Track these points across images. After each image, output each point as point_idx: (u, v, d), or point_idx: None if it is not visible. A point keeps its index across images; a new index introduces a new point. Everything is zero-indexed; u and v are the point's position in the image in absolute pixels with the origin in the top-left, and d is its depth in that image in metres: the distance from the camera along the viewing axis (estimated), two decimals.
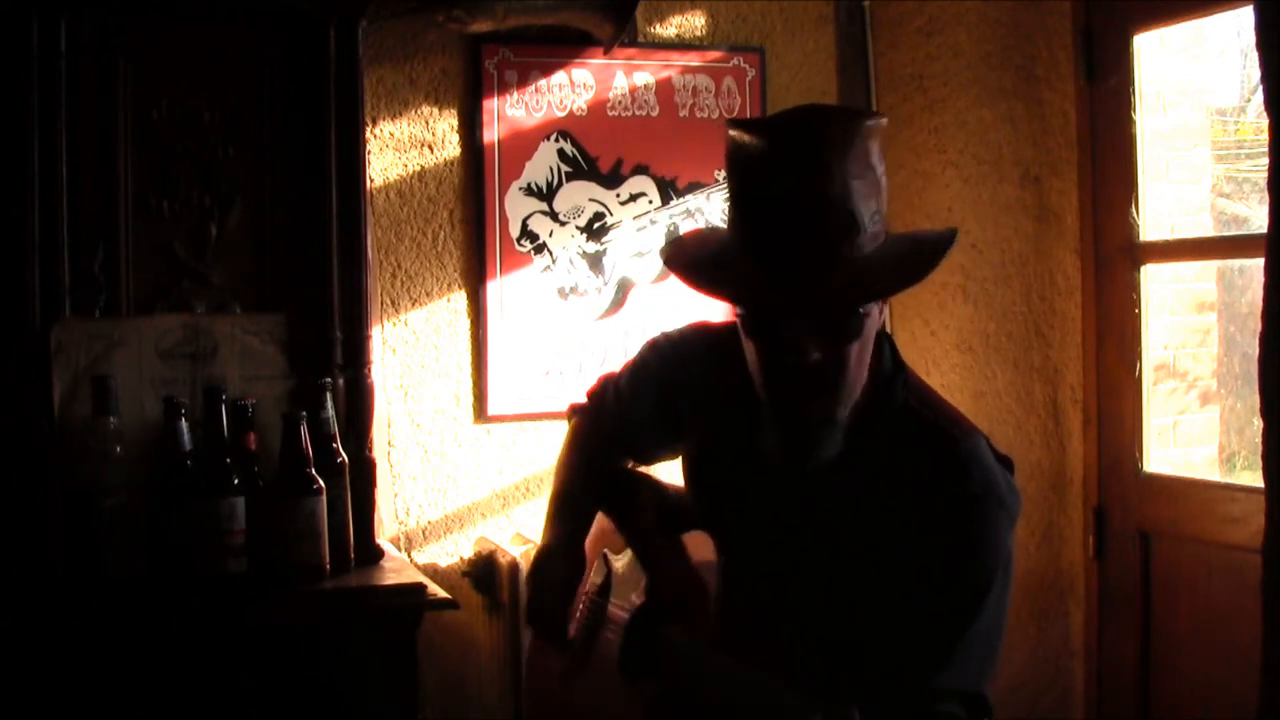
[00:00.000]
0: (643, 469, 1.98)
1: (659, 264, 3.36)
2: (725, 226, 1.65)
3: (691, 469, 1.83)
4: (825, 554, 1.62)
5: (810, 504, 1.63)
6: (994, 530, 1.55)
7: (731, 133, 1.57)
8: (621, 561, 1.93)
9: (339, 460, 2.52)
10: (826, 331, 1.52)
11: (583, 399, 2.03)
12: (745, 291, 1.54)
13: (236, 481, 2.37)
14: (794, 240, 1.50)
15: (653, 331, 1.91)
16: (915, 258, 1.54)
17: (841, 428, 1.58)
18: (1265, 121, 2.34)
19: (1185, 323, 3.31)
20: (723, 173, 3.40)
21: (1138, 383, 3.10)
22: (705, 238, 1.70)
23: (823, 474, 1.60)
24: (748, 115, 3.42)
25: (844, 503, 1.60)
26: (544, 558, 1.84)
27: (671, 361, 1.85)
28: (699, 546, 1.81)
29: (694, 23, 3.41)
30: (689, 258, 1.63)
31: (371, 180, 3.10)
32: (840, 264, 1.50)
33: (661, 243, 3.35)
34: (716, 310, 2.74)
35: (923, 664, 1.52)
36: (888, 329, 3.50)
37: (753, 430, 1.65)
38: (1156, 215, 3.14)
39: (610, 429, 1.93)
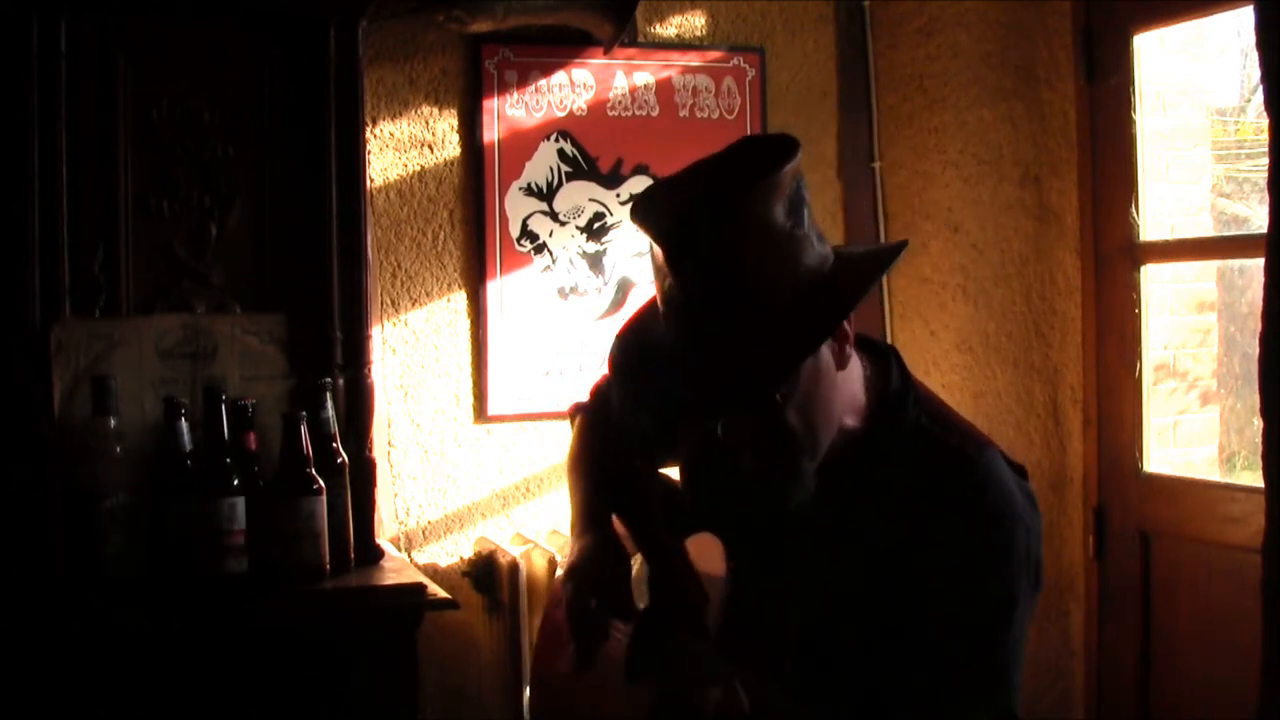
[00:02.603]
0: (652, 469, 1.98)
1: None
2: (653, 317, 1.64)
3: (692, 484, 1.83)
4: (836, 573, 1.61)
5: (820, 524, 1.62)
6: (1013, 548, 1.54)
7: (636, 221, 1.52)
8: (635, 566, 1.92)
9: (339, 460, 2.52)
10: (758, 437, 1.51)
11: (585, 398, 2.02)
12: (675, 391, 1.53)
13: (236, 481, 2.37)
14: (696, 331, 1.47)
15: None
16: (816, 318, 1.49)
17: (810, 474, 1.55)
18: (1265, 121, 2.34)
19: (1185, 323, 3.31)
20: None
21: (1138, 383, 3.10)
22: (647, 330, 1.64)
23: (834, 495, 1.60)
24: (747, 116, 3.42)
25: (856, 523, 1.59)
26: (581, 563, 1.75)
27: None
28: (708, 552, 1.81)
29: (694, 23, 3.41)
30: (630, 364, 1.64)
31: (371, 180, 3.10)
32: (746, 343, 1.46)
33: None
34: None
35: (951, 680, 1.52)
36: (887, 331, 3.52)
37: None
38: (1156, 215, 3.14)
39: (616, 425, 1.92)
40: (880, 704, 1.50)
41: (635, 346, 1.78)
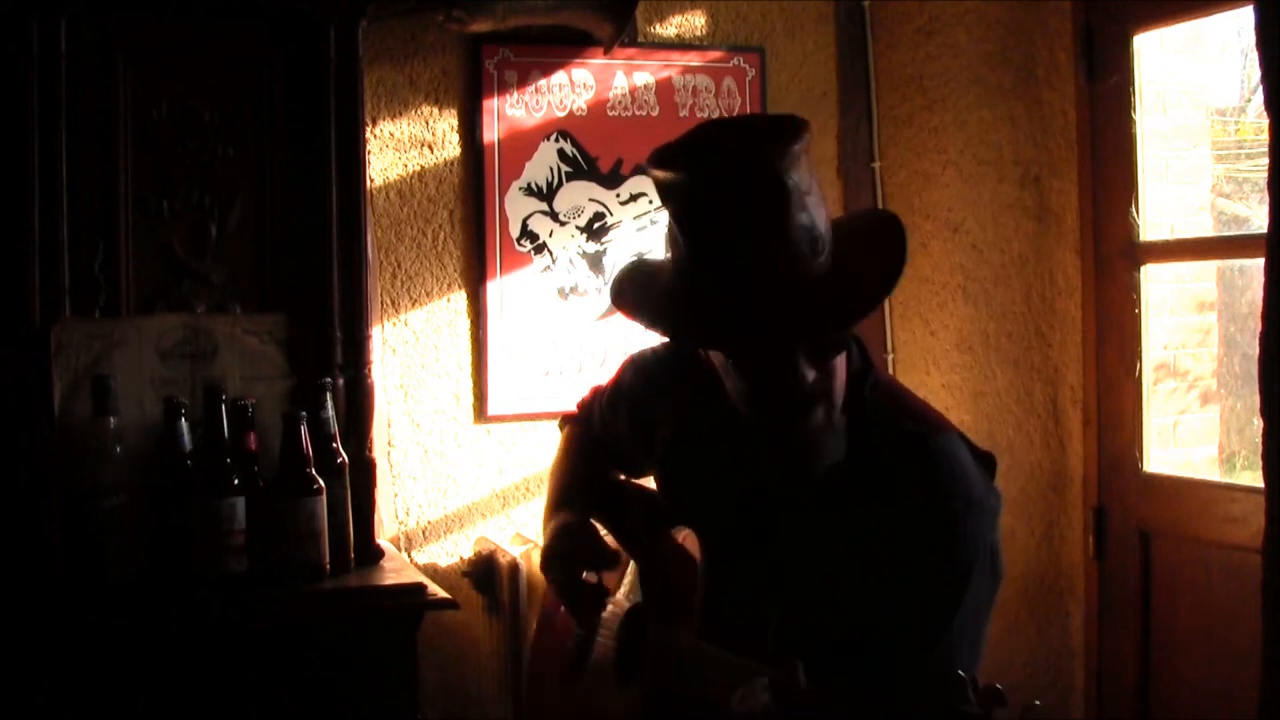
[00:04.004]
0: (633, 480, 2.00)
1: None
2: (657, 260, 1.63)
3: (663, 474, 1.84)
4: (803, 555, 1.62)
5: (785, 507, 1.63)
6: (967, 529, 1.55)
7: (660, 174, 1.52)
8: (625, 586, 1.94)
9: (339, 460, 2.52)
10: (815, 352, 1.51)
11: (574, 409, 2.06)
12: (734, 337, 1.51)
13: (236, 481, 2.37)
14: (772, 270, 1.47)
15: (644, 342, 1.93)
16: (881, 257, 1.52)
17: (842, 429, 1.58)
18: (1265, 121, 2.34)
19: (1185, 323, 3.31)
20: None
21: (1138, 383, 3.09)
22: (649, 278, 1.64)
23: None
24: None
25: (818, 504, 1.61)
26: (554, 535, 1.81)
27: (646, 374, 1.88)
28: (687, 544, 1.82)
29: (694, 23, 3.41)
30: (658, 314, 1.58)
31: (371, 180, 3.10)
32: (816, 281, 1.48)
33: (662, 243, 3.35)
34: None
35: (904, 661, 1.52)
36: (887, 331, 3.52)
37: (725, 435, 1.65)
38: (1156, 215, 3.14)
39: (599, 438, 1.95)
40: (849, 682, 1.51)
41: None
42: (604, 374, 2.03)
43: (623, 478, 1.99)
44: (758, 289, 1.47)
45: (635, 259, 1.84)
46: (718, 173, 1.48)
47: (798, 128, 1.50)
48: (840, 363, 1.55)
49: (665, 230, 1.60)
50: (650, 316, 1.58)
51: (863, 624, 1.54)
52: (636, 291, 1.64)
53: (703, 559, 1.76)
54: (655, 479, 1.87)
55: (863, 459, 1.59)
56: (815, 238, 1.48)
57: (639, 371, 1.89)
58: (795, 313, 1.47)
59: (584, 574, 1.78)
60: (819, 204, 1.51)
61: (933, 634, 1.53)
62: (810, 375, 1.51)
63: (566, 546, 1.79)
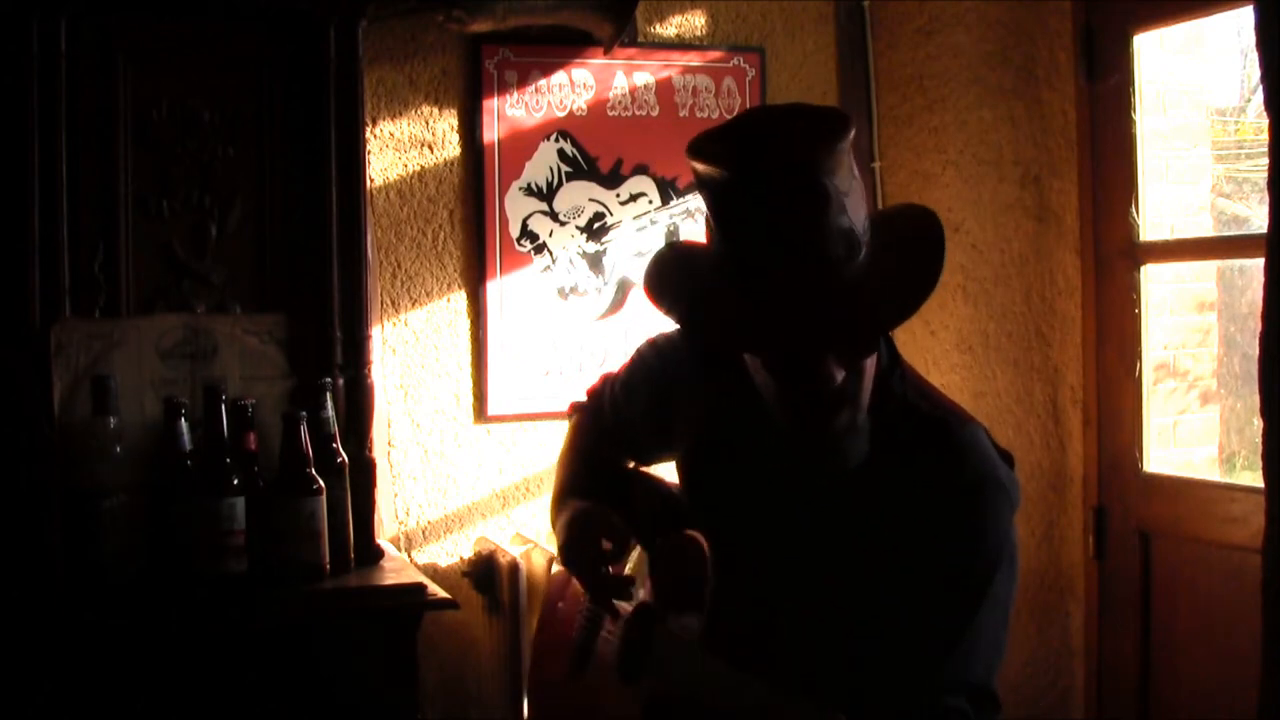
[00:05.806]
0: (642, 468, 1.98)
1: None
2: (699, 246, 1.59)
3: (687, 467, 1.83)
4: (826, 548, 1.62)
5: (811, 500, 1.63)
6: (995, 517, 1.55)
7: (700, 167, 1.48)
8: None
9: (339, 460, 2.52)
10: (845, 355, 1.49)
11: (584, 397, 2.03)
12: (765, 339, 1.48)
13: (236, 481, 2.37)
14: (806, 274, 1.44)
15: (653, 332, 1.91)
16: (918, 264, 1.49)
17: (866, 430, 1.57)
18: (1265, 121, 2.34)
19: (1185, 323, 3.31)
20: None
21: (1138, 383, 3.10)
22: (688, 271, 1.60)
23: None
24: None
25: (845, 497, 1.60)
26: (570, 524, 1.75)
27: (669, 359, 1.84)
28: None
29: (694, 23, 3.41)
30: (690, 310, 1.55)
31: (371, 180, 3.10)
32: (851, 285, 1.45)
33: (662, 243, 3.35)
34: None
35: (927, 656, 1.52)
36: None
37: (751, 429, 1.64)
38: (1156, 215, 3.14)
39: (610, 426, 1.93)
40: (869, 676, 1.51)
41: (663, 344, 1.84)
42: (608, 369, 2.01)
43: (633, 465, 1.97)
44: (791, 295, 1.44)
45: (672, 244, 1.79)
46: (755, 173, 1.44)
47: (841, 125, 1.46)
48: (870, 364, 1.54)
49: (705, 219, 1.57)
50: (681, 312, 1.55)
51: (886, 620, 1.54)
52: (671, 283, 1.60)
53: (714, 558, 1.75)
54: (678, 472, 1.85)
55: (890, 450, 1.58)
56: (852, 242, 1.45)
57: (663, 354, 1.85)
58: (828, 322, 1.44)
59: (605, 565, 1.73)
60: (859, 203, 1.48)
61: (958, 629, 1.53)
62: (839, 376, 1.49)
63: (584, 532, 1.73)
